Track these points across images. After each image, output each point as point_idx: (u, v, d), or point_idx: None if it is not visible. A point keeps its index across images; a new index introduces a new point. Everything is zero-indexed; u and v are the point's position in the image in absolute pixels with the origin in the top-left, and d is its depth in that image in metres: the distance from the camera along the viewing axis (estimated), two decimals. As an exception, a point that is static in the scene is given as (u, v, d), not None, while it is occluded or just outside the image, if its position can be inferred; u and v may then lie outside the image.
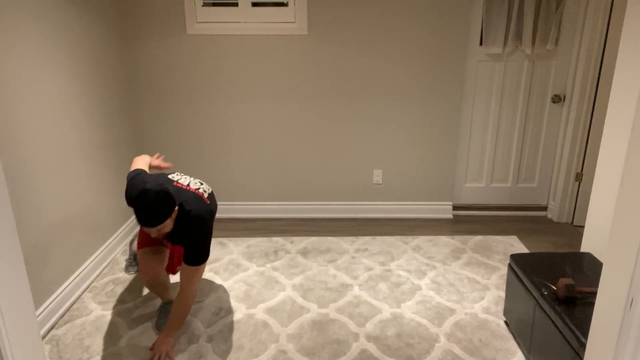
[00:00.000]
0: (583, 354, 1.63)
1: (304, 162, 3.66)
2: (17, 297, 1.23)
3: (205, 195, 2.22)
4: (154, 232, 1.96)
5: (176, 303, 2.17)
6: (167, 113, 3.54)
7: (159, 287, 2.41)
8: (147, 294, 2.70)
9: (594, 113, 3.36)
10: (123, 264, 3.03)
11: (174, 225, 2.07)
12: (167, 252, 2.40)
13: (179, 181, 2.22)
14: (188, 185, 2.22)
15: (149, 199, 1.90)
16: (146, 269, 2.29)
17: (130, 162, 3.47)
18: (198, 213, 2.09)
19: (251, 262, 3.05)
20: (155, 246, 2.33)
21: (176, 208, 1.99)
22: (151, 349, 2.18)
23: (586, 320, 1.75)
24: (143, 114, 3.54)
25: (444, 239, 3.37)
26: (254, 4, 3.30)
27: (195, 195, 2.15)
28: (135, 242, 2.48)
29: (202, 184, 2.30)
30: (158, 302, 2.62)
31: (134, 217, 3.47)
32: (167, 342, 2.18)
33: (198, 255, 2.12)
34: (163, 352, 2.15)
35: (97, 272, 2.92)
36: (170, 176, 2.25)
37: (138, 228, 3.53)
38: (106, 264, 3.02)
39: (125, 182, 3.34)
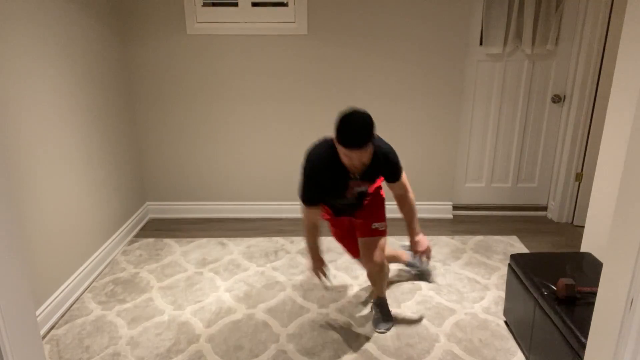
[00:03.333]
0: (583, 354, 1.63)
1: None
2: (17, 297, 1.23)
3: None
4: (359, 159, 1.92)
5: (406, 206, 2.25)
6: (167, 113, 3.54)
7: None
8: (147, 294, 2.70)
9: (594, 113, 3.36)
10: (122, 266, 3.03)
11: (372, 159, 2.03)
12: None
13: None
14: None
15: (357, 118, 1.88)
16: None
17: (130, 161, 3.47)
18: (380, 141, 2.15)
19: (251, 262, 3.05)
20: (363, 237, 2.30)
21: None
22: (415, 251, 2.26)
23: (586, 320, 1.75)
24: (143, 113, 3.54)
25: (444, 239, 3.37)
26: (254, 4, 3.30)
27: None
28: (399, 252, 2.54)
29: None
30: (158, 301, 2.62)
31: (134, 217, 3.48)
32: (423, 237, 2.27)
33: (398, 169, 2.17)
34: (428, 247, 2.25)
35: (97, 272, 2.92)
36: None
37: (141, 226, 3.53)
38: (106, 264, 3.02)
39: (121, 187, 3.34)
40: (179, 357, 2.20)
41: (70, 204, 2.65)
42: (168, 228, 3.59)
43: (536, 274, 2.11)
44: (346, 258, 3.08)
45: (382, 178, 2.25)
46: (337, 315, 2.51)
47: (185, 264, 3.02)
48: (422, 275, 2.83)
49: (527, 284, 2.12)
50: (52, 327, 2.41)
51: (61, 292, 2.53)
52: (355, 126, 1.87)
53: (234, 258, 3.11)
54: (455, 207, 3.86)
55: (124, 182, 3.35)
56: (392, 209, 3.80)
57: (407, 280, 2.82)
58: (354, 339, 2.32)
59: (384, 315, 2.42)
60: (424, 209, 3.77)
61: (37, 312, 2.34)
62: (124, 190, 3.35)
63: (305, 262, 3.02)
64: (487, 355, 2.20)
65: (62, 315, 2.51)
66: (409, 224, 2.27)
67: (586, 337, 1.66)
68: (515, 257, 2.29)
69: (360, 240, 2.30)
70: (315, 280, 2.68)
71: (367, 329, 2.39)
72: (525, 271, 2.15)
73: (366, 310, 2.54)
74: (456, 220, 3.72)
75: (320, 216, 2.23)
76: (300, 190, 2.12)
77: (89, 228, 2.85)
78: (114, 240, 3.15)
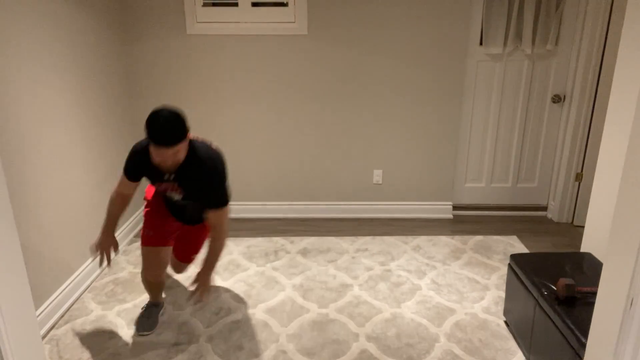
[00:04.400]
0: (583, 354, 1.63)
1: (304, 162, 3.66)
2: (17, 297, 1.23)
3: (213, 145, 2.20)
4: (169, 156, 1.91)
5: (212, 243, 2.19)
6: (167, 113, 3.54)
7: (157, 287, 2.43)
8: (147, 294, 2.70)
9: (594, 113, 3.36)
10: (122, 266, 3.03)
11: (185, 163, 2.02)
12: (170, 249, 2.39)
13: None
14: None
15: (165, 115, 1.86)
16: (151, 269, 2.30)
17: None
18: (209, 152, 2.09)
19: (251, 262, 3.05)
20: (161, 246, 2.30)
21: (189, 136, 1.97)
22: (192, 283, 2.18)
23: (586, 320, 1.75)
24: (143, 113, 3.54)
25: (444, 239, 3.37)
26: (254, 4, 3.30)
27: (204, 142, 2.15)
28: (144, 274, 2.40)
29: None
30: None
31: (133, 217, 3.48)
32: (208, 277, 2.18)
33: (219, 197, 2.10)
34: (206, 287, 2.16)
35: (97, 272, 2.92)
36: None
37: (141, 225, 3.53)
38: (106, 264, 3.02)
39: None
40: (179, 357, 2.20)
41: (70, 203, 2.65)
42: (168, 228, 3.59)
43: (536, 274, 2.11)
44: (346, 258, 3.08)
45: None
46: (337, 315, 2.51)
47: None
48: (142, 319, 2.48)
49: (527, 284, 2.12)
50: (52, 327, 2.41)
51: (61, 292, 2.53)
52: (160, 123, 1.85)
53: (234, 258, 3.11)
54: (455, 207, 3.86)
55: (124, 182, 3.35)
56: (393, 209, 3.76)
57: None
58: (354, 339, 2.32)
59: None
60: (424, 209, 3.77)
61: (37, 312, 2.34)
62: (124, 190, 3.35)
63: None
64: (487, 355, 2.20)
65: (62, 315, 2.51)
66: (205, 260, 2.19)
67: (586, 337, 1.66)
68: (515, 257, 2.29)
69: (174, 260, 2.55)
70: (97, 256, 2.40)
71: (367, 329, 2.39)
72: (525, 271, 2.15)
73: (366, 309, 2.54)
74: (456, 220, 3.72)
75: (130, 191, 2.25)
76: (126, 161, 2.16)
77: (89, 228, 2.85)
78: (114, 240, 3.14)
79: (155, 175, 2.12)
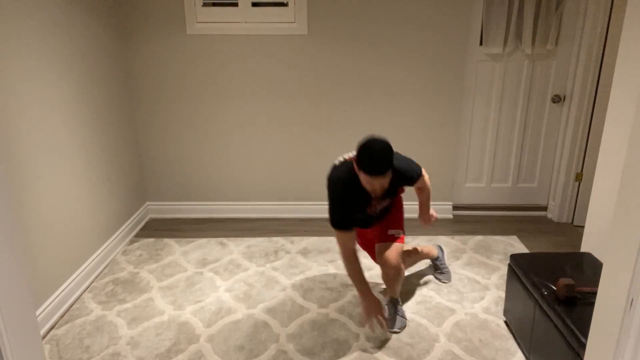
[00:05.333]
0: (583, 354, 1.63)
1: (304, 162, 3.66)
2: (17, 297, 1.23)
3: None
4: (380, 185, 1.98)
5: (424, 194, 2.45)
6: (167, 113, 3.54)
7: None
8: (147, 294, 2.70)
9: (594, 113, 3.36)
10: (122, 266, 3.03)
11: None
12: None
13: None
14: None
15: (381, 145, 1.94)
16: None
17: (130, 161, 3.47)
18: (397, 154, 2.17)
19: (251, 262, 3.05)
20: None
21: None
22: (423, 217, 2.53)
23: (586, 320, 1.75)
24: (143, 114, 3.54)
25: (444, 239, 3.37)
26: (254, 4, 3.30)
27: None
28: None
29: None
30: (158, 301, 2.63)
31: (134, 217, 3.48)
32: (430, 212, 2.53)
33: (415, 174, 2.22)
34: (432, 216, 2.54)
35: (97, 272, 2.92)
36: (347, 157, 2.22)
37: (141, 225, 3.53)
38: (106, 264, 3.02)
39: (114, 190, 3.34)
40: (179, 357, 2.20)
41: (70, 204, 2.65)
42: (168, 228, 3.59)
43: (536, 274, 2.11)
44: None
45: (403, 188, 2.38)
46: (337, 315, 2.51)
47: (185, 264, 3.02)
48: (440, 273, 2.83)
49: (527, 284, 2.12)
50: (52, 327, 2.41)
51: (61, 292, 2.53)
52: (376, 155, 1.92)
53: (234, 258, 3.11)
54: (455, 207, 3.86)
55: (124, 182, 3.35)
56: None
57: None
58: (354, 339, 2.32)
59: (397, 315, 2.42)
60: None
61: (37, 312, 2.34)
62: (124, 190, 3.35)
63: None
64: (487, 355, 2.20)
65: (62, 315, 2.51)
66: (422, 204, 2.50)
67: (586, 337, 1.66)
68: (515, 257, 2.29)
69: (377, 246, 2.34)
70: (368, 325, 2.26)
71: (367, 328, 2.39)
72: (525, 271, 2.15)
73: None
74: (456, 220, 3.72)
75: (355, 240, 2.22)
76: (330, 216, 2.15)
77: (89, 228, 2.85)
78: (114, 240, 3.15)
79: (364, 201, 2.16)
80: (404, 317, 2.44)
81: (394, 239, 2.31)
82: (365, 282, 2.22)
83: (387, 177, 1.97)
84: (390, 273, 2.29)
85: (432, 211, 2.56)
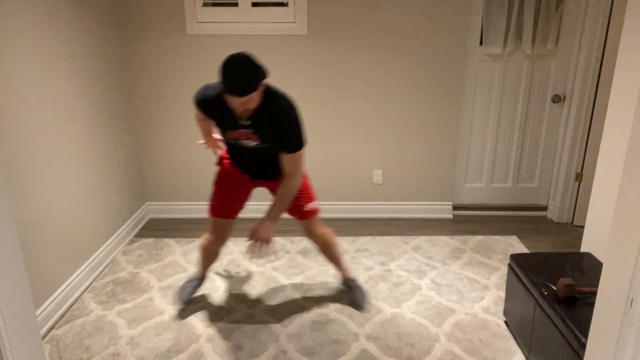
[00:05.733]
0: (583, 354, 1.63)
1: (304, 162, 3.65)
2: (17, 297, 1.23)
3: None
4: (240, 104, 1.87)
5: (281, 189, 2.12)
6: (167, 113, 3.54)
7: (211, 256, 2.44)
8: (147, 294, 2.70)
9: (594, 113, 3.36)
10: (122, 266, 3.03)
11: (261, 109, 1.97)
12: (233, 222, 2.38)
13: None
14: None
15: (242, 60, 1.81)
16: (212, 238, 2.35)
17: (130, 161, 3.47)
18: (284, 95, 2.04)
19: (251, 262, 3.05)
20: (224, 219, 2.33)
21: (263, 84, 1.91)
22: (250, 236, 2.09)
23: (586, 320, 1.75)
24: (143, 113, 3.54)
25: (444, 239, 3.37)
26: (254, 4, 3.30)
27: (278, 90, 2.07)
28: (203, 238, 2.41)
29: None
30: (158, 301, 2.62)
31: (134, 217, 3.48)
32: (268, 228, 2.08)
33: (294, 139, 2.04)
34: (264, 238, 2.07)
35: (97, 272, 2.92)
36: None
37: (141, 225, 3.53)
38: (106, 264, 3.02)
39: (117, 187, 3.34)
40: (179, 357, 2.20)
41: (70, 204, 2.65)
42: (168, 228, 3.59)
43: (536, 274, 2.11)
44: (346, 258, 3.08)
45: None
46: (337, 315, 2.51)
47: (185, 264, 3.02)
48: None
49: (527, 284, 2.12)
50: (52, 327, 2.41)
51: (61, 292, 2.53)
52: (236, 73, 1.80)
53: (234, 258, 3.11)
54: (455, 207, 3.86)
55: (124, 182, 3.35)
56: (393, 209, 3.77)
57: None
58: (354, 339, 2.32)
59: (357, 292, 2.48)
60: (424, 209, 3.77)
61: (37, 312, 2.34)
62: (124, 190, 3.36)
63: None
64: (487, 355, 2.20)
65: (62, 315, 2.51)
66: (270, 207, 2.14)
67: (586, 337, 1.66)
68: (515, 257, 2.29)
69: (300, 223, 2.39)
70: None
71: (367, 328, 2.39)
72: (525, 271, 2.15)
73: (366, 309, 2.54)
74: (456, 220, 3.72)
75: (209, 126, 2.35)
76: (197, 101, 2.14)
77: (89, 228, 2.85)
78: (114, 240, 3.15)
79: (229, 121, 2.05)
80: (363, 293, 2.50)
81: (312, 213, 2.36)
82: (208, 130, 2.34)
83: (249, 100, 1.85)
84: (320, 241, 2.42)
85: (268, 228, 2.09)
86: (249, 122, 2.03)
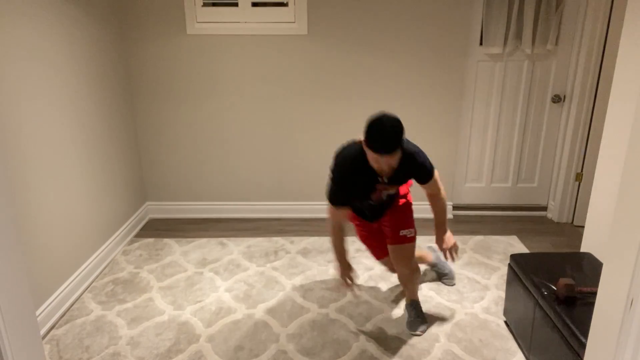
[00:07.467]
0: (583, 354, 1.63)
1: (303, 162, 3.66)
2: (17, 297, 1.23)
3: None
4: (387, 164, 1.91)
5: (438, 205, 2.28)
6: (167, 113, 3.54)
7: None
8: (147, 294, 2.70)
9: (594, 113, 3.36)
10: (122, 266, 3.02)
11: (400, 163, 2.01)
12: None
13: None
14: None
15: (391, 121, 1.85)
16: (390, 265, 2.47)
17: (130, 161, 3.47)
18: (407, 144, 2.09)
19: (251, 262, 3.05)
20: (387, 257, 2.43)
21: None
22: (441, 247, 2.28)
23: (586, 320, 1.75)
24: (143, 113, 3.54)
25: (444, 239, 3.37)
26: (254, 4, 3.30)
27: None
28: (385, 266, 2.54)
29: None
30: (158, 301, 2.62)
31: (134, 217, 3.48)
32: (450, 235, 2.29)
33: (427, 171, 2.14)
34: (453, 244, 2.27)
35: (97, 272, 2.92)
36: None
37: (141, 225, 3.53)
38: (106, 264, 3.02)
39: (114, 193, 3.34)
40: (179, 357, 2.20)
41: (70, 204, 2.65)
42: (168, 228, 3.59)
43: (536, 274, 2.11)
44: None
45: (411, 181, 2.28)
46: (337, 315, 2.51)
47: (185, 264, 3.02)
48: (445, 277, 2.81)
49: (527, 284, 2.12)
50: (52, 327, 2.41)
51: (61, 292, 2.53)
52: (385, 131, 1.85)
53: (234, 258, 3.11)
54: (455, 207, 3.86)
55: (124, 182, 3.35)
56: (421, 209, 3.75)
57: (431, 280, 2.82)
58: (354, 339, 2.32)
59: (418, 317, 2.42)
60: (424, 209, 3.75)
61: (37, 312, 2.34)
62: (124, 190, 3.35)
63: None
64: (487, 355, 2.20)
65: (62, 315, 2.51)
66: (438, 222, 2.31)
67: (586, 337, 1.66)
68: (515, 257, 2.29)
69: (390, 247, 2.35)
70: (343, 288, 2.55)
71: (367, 328, 2.39)
72: (525, 271, 2.15)
73: (366, 310, 2.54)
74: (456, 220, 3.72)
75: (346, 217, 2.22)
76: (328, 190, 2.12)
77: (89, 228, 2.85)
78: (114, 240, 3.15)
79: (369, 182, 2.09)
80: (424, 319, 2.42)
81: (405, 239, 2.31)
82: (344, 251, 2.27)
83: (396, 156, 1.89)
84: (405, 275, 2.38)
85: (450, 235, 2.31)
86: (387, 179, 2.09)
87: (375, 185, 2.11)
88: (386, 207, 2.32)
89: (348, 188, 2.09)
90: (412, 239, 2.32)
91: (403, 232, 2.30)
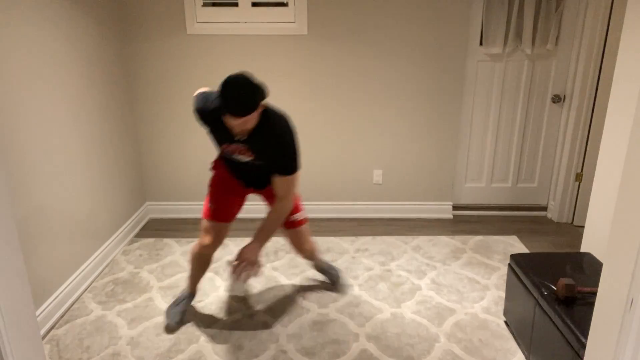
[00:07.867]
0: (583, 354, 1.63)
1: (304, 162, 3.65)
2: (17, 297, 1.23)
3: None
4: (237, 125, 1.85)
5: (271, 212, 2.11)
6: (167, 113, 3.54)
7: (203, 265, 2.33)
8: (147, 294, 2.70)
9: (594, 113, 3.36)
10: (122, 266, 3.03)
11: (257, 129, 1.95)
12: (229, 226, 2.32)
13: None
14: None
15: (242, 82, 1.80)
16: (207, 242, 2.25)
17: (130, 161, 3.47)
18: (282, 116, 2.00)
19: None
20: (222, 222, 2.27)
21: (262, 105, 1.88)
22: (237, 257, 2.03)
23: (586, 320, 1.75)
24: (143, 114, 3.54)
25: (444, 239, 3.37)
26: (254, 4, 3.30)
27: (278, 112, 2.05)
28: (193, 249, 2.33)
29: None
30: (158, 301, 2.62)
31: (134, 217, 3.48)
32: (254, 249, 2.03)
33: (287, 163, 2.01)
34: (249, 260, 2.01)
35: (97, 272, 2.92)
36: None
37: (142, 225, 3.53)
38: (106, 264, 3.02)
39: (114, 190, 3.35)
40: (179, 357, 2.20)
41: (70, 204, 2.65)
42: (168, 228, 3.59)
43: (536, 274, 2.11)
44: (346, 258, 3.08)
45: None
46: (337, 315, 2.51)
47: (185, 264, 3.02)
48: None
49: (527, 284, 2.12)
50: (52, 327, 2.41)
51: (61, 292, 2.53)
52: (235, 93, 1.79)
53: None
54: (455, 207, 3.86)
55: (124, 182, 3.35)
56: (393, 209, 3.76)
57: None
58: (354, 339, 2.32)
59: (332, 272, 2.66)
60: (424, 209, 3.77)
61: (37, 312, 2.34)
62: (124, 190, 3.35)
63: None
64: (487, 355, 2.20)
65: (62, 315, 2.51)
66: (258, 229, 2.13)
67: (586, 337, 1.66)
68: (515, 257, 2.29)
69: (286, 232, 2.44)
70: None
71: (367, 329, 2.39)
72: (525, 271, 2.15)
73: (366, 309, 2.54)
74: (456, 220, 3.72)
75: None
76: (196, 111, 2.07)
77: (89, 228, 2.85)
78: (114, 240, 3.15)
79: (225, 135, 2.03)
80: (336, 271, 2.68)
81: (298, 223, 2.40)
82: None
83: (245, 121, 1.83)
84: (306, 255, 2.54)
85: (255, 250, 2.04)
86: (244, 138, 2.02)
87: (230, 139, 2.04)
88: (258, 181, 2.25)
89: (208, 121, 2.05)
90: (303, 221, 2.42)
91: (293, 217, 2.36)
